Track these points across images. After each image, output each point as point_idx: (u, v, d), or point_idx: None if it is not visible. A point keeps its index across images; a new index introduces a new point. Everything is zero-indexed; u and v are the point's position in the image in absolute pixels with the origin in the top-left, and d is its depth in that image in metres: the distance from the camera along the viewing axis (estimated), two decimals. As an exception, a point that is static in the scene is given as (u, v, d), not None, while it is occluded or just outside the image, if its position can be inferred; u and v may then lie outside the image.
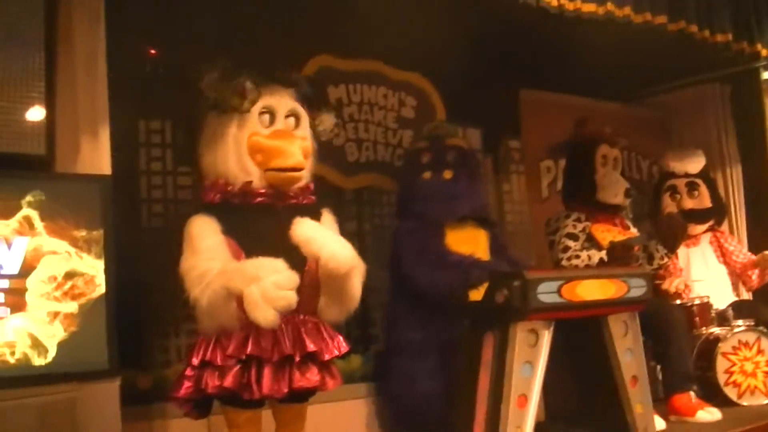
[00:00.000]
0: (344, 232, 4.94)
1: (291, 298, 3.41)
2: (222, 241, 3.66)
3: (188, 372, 3.67)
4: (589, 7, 4.63)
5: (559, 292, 4.05)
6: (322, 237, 3.72)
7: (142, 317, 4.56)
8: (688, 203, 6.28)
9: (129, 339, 4.36)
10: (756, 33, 5.43)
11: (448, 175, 4.91)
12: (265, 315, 3.35)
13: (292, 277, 3.45)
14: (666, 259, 5.46)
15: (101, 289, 3.53)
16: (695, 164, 6.36)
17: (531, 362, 4.04)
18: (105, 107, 3.73)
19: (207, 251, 3.61)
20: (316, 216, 3.94)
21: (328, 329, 3.86)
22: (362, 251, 5.02)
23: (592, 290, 4.21)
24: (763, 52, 5.51)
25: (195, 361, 3.64)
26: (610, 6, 4.66)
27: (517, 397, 3.98)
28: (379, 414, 5.02)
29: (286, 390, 3.63)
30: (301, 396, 3.84)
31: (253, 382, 3.57)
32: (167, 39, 4.68)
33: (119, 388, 3.62)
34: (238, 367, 3.57)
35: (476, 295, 4.34)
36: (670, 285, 5.92)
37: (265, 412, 3.88)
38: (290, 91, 4.01)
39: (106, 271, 3.55)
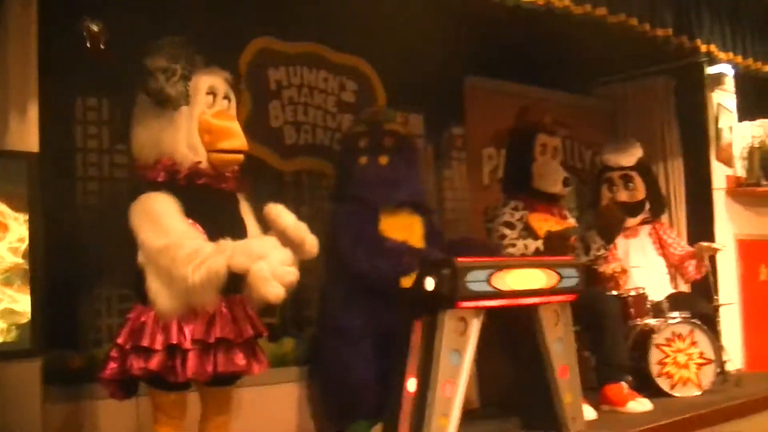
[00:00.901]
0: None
1: (296, 273, 3.53)
2: (187, 222, 3.63)
3: (113, 353, 3.65)
4: (530, -3, 4.63)
5: (488, 280, 4.07)
6: (302, 223, 3.77)
7: (75, 296, 4.51)
8: (623, 196, 6.36)
9: (61, 318, 4.39)
10: (696, 28, 5.48)
11: (383, 160, 4.89)
12: (275, 290, 3.43)
13: (290, 255, 3.58)
14: (603, 251, 5.51)
15: (25, 267, 3.47)
16: (630, 157, 6.43)
17: (459, 350, 4.07)
18: (35, 84, 3.72)
19: (181, 230, 3.57)
20: (236, 200, 3.99)
21: (251, 310, 3.85)
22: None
23: (522, 280, 4.24)
24: (703, 48, 5.55)
25: (121, 341, 3.61)
26: (551, -4, 4.67)
27: (445, 383, 4.00)
28: (311, 398, 5.03)
29: (211, 373, 3.61)
30: (228, 379, 3.83)
31: (177, 365, 3.55)
32: (107, 16, 4.58)
33: (41, 368, 3.58)
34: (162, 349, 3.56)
35: (408, 282, 4.34)
36: (608, 268, 5.98)
37: (193, 394, 3.89)
38: (225, 73, 4.00)
39: (30, 249, 3.48)
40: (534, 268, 4.35)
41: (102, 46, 3.92)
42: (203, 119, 3.83)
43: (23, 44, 3.65)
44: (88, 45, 3.80)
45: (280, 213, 3.71)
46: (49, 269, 4.23)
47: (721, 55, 6.03)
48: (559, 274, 4.39)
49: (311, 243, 3.78)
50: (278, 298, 3.48)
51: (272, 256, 3.49)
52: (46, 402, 3.86)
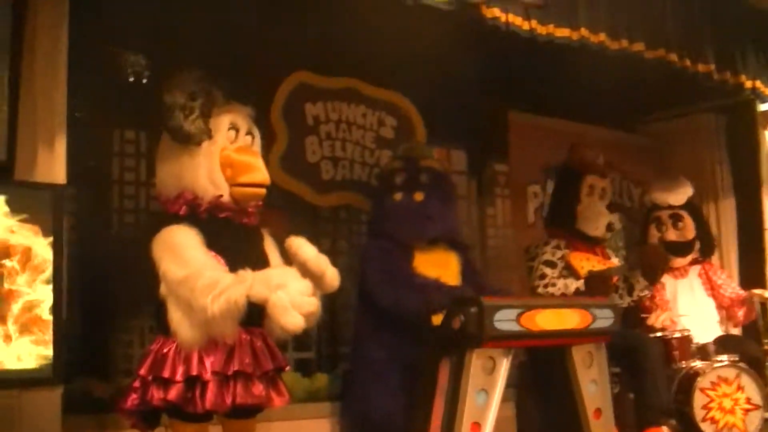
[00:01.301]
0: (319, 250, 5.01)
1: (316, 304, 3.54)
2: (209, 254, 3.66)
3: (135, 384, 3.66)
4: (563, 32, 4.55)
5: (517, 320, 4.02)
6: (323, 256, 3.77)
7: (108, 326, 4.56)
8: (671, 235, 6.21)
9: (92, 348, 4.44)
10: (740, 64, 5.36)
11: (419, 196, 4.86)
12: (294, 320, 3.43)
13: (310, 285, 3.57)
14: (646, 291, 5.41)
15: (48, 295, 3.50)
16: (679, 195, 6.29)
17: (486, 390, 4.00)
18: (63, 117, 3.73)
19: (202, 261, 3.60)
20: (259, 234, 4.02)
21: (272, 342, 3.84)
22: (337, 269, 5.06)
23: (553, 320, 4.18)
24: (748, 84, 5.43)
25: (143, 372, 3.63)
26: (584, 32, 4.58)
27: (471, 425, 3.94)
28: (343, 433, 4.98)
29: (229, 404, 3.60)
30: (248, 412, 3.81)
31: (197, 396, 3.56)
32: (145, 49, 4.66)
33: (62, 397, 3.59)
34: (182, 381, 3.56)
35: (438, 319, 4.30)
36: (656, 320, 5.84)
37: (216, 428, 3.88)
38: (248, 109, 4.04)
39: (54, 278, 3.50)
40: (566, 308, 4.28)
41: (144, 80, 3.98)
42: (225, 154, 3.86)
43: (52, 76, 3.67)
44: (131, 79, 3.85)
45: (301, 245, 3.70)
46: (82, 298, 4.37)
47: (768, 91, 5.87)
48: (592, 314, 4.30)
49: (332, 276, 3.76)
50: (297, 328, 3.47)
51: (291, 286, 3.49)
52: (71, 430, 3.87)
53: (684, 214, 6.26)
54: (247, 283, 3.47)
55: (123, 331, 4.60)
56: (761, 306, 6.14)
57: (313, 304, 3.53)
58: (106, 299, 4.52)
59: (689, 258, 6.25)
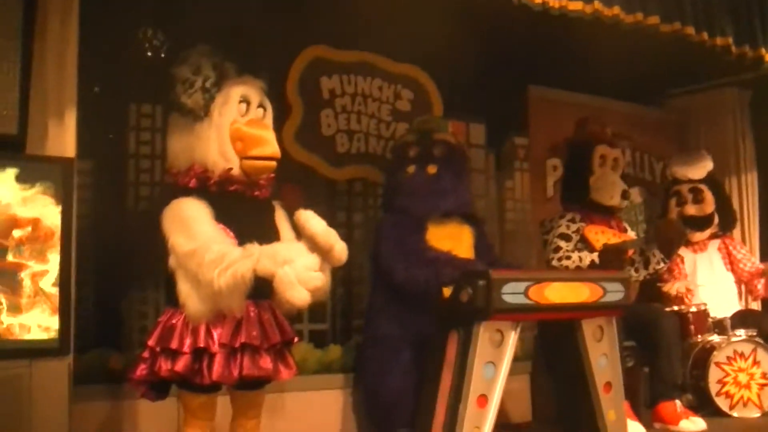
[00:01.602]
0: (335, 223, 5.04)
1: (321, 278, 3.57)
2: (218, 227, 3.70)
3: (144, 354, 3.71)
4: (576, 5, 4.50)
5: (526, 293, 4.02)
6: (331, 230, 3.79)
7: (123, 298, 4.61)
8: (691, 209, 6.19)
9: (107, 319, 4.50)
10: (759, 37, 5.26)
11: (432, 170, 4.87)
12: (300, 295, 3.47)
13: (317, 260, 3.59)
14: (662, 264, 5.38)
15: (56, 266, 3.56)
16: (699, 170, 6.25)
17: (494, 363, 4.01)
18: (73, 91, 3.78)
19: (210, 235, 3.64)
20: (270, 207, 4.04)
21: (281, 315, 3.87)
22: (352, 242, 5.09)
23: (562, 293, 4.16)
24: (767, 57, 5.35)
25: (151, 343, 3.68)
26: (597, 5, 4.52)
27: (477, 397, 3.96)
28: (356, 405, 5.02)
29: (236, 376, 3.65)
30: (255, 383, 3.85)
31: (204, 368, 3.60)
32: (161, 23, 4.68)
33: (70, 367, 3.65)
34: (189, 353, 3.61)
35: (448, 292, 4.30)
36: (672, 288, 5.83)
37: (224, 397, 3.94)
38: (260, 82, 4.06)
39: (62, 249, 3.55)
40: (575, 282, 4.27)
41: (162, 55, 4.01)
42: (235, 127, 3.89)
43: (61, 51, 3.72)
44: (149, 53, 3.88)
45: (309, 219, 3.72)
46: (98, 270, 4.43)
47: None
48: (602, 288, 4.28)
49: (340, 250, 3.78)
50: (304, 302, 3.52)
51: (298, 261, 3.52)
52: (83, 400, 3.95)
53: (704, 188, 6.23)
54: (254, 258, 3.50)
55: (138, 303, 4.63)
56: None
57: (319, 278, 3.56)
58: (122, 271, 4.56)
59: (708, 232, 6.23)
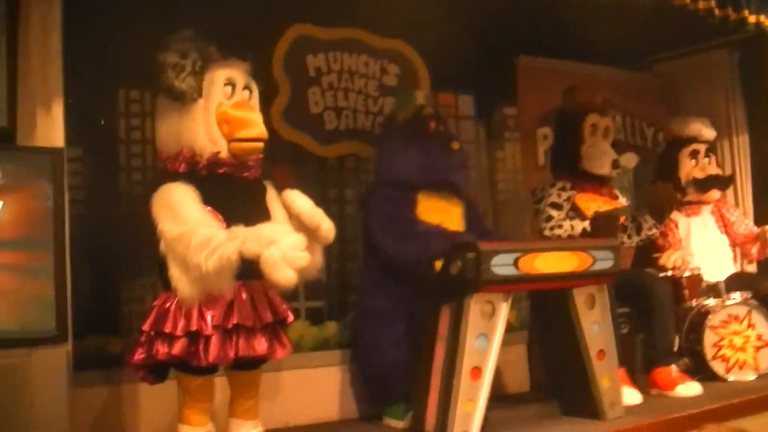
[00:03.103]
0: (326, 200, 5.07)
1: (307, 258, 3.59)
2: (206, 210, 3.74)
3: (141, 338, 3.77)
4: (559, -30, 4.54)
5: (515, 264, 4.05)
6: (318, 209, 3.88)
7: (119, 284, 4.67)
8: (712, 168, 6.18)
9: (103, 305, 4.54)
10: (742, -1, 5.29)
11: (456, 145, 4.91)
12: (286, 275, 3.51)
13: (302, 239, 3.62)
14: (654, 230, 5.43)
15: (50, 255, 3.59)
16: (712, 131, 6.29)
17: (486, 335, 4.05)
18: (59, 82, 3.81)
19: (197, 218, 3.67)
20: (261, 188, 4.08)
21: (274, 295, 3.91)
22: (345, 218, 5.13)
23: (552, 263, 4.20)
24: (751, 19, 5.32)
25: (147, 327, 3.74)
26: (580, -30, 4.57)
27: (471, 370, 4.00)
28: (353, 381, 5.05)
29: (232, 357, 3.71)
30: (252, 363, 3.91)
31: (200, 350, 3.66)
32: (144, 7, 4.68)
33: (68, 354, 3.70)
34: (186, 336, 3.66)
35: (439, 265, 4.34)
36: (668, 260, 5.82)
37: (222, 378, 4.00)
38: (245, 64, 4.09)
39: (55, 239, 3.59)
40: (565, 251, 4.30)
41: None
42: (221, 110, 3.92)
43: (46, 41, 3.74)
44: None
45: (296, 198, 3.78)
46: (93, 256, 4.46)
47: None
48: (592, 256, 4.32)
49: (327, 228, 3.85)
50: (289, 282, 3.56)
51: (283, 241, 3.55)
52: (83, 385, 4.00)
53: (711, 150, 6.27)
54: (240, 239, 3.54)
55: (134, 288, 4.68)
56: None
57: (305, 258, 3.60)
58: (117, 256, 4.61)
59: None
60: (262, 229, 3.64)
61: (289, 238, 3.58)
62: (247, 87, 4.06)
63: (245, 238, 3.54)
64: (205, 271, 3.52)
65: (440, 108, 5.22)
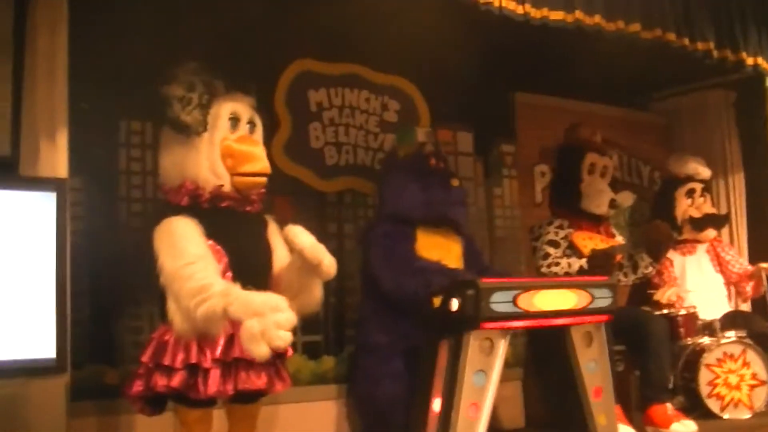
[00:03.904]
0: (326, 234, 5.08)
1: (287, 339, 3.40)
2: (207, 247, 3.73)
3: (140, 371, 3.76)
4: (557, 15, 4.56)
5: (514, 301, 4.06)
6: (320, 245, 3.85)
7: (117, 314, 4.64)
8: (707, 207, 6.28)
9: (101, 335, 4.53)
10: (741, 41, 5.33)
11: (456, 182, 4.98)
12: (260, 350, 3.35)
13: (291, 318, 3.45)
14: (651, 269, 5.45)
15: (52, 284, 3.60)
16: (708, 170, 6.35)
17: (484, 371, 4.06)
18: (64, 112, 3.83)
19: (197, 257, 3.66)
20: (263, 222, 4.09)
21: None
22: (343, 252, 5.13)
23: (551, 300, 4.22)
24: (749, 61, 5.40)
25: (145, 359, 3.73)
26: (579, 14, 4.59)
27: (469, 405, 4.00)
28: (350, 416, 5.05)
29: (232, 391, 3.70)
30: (251, 397, 3.90)
31: (199, 383, 3.65)
32: (151, 38, 4.71)
33: (67, 385, 3.70)
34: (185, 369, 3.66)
35: (438, 302, 4.35)
36: (663, 296, 5.86)
37: (220, 411, 3.99)
38: (249, 99, 4.12)
39: (57, 269, 3.60)
40: (563, 289, 4.32)
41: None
42: (226, 144, 3.94)
43: (53, 71, 3.76)
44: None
45: (298, 234, 3.78)
46: (92, 286, 4.46)
47: (770, 67, 5.81)
48: (590, 294, 4.34)
49: (329, 264, 3.84)
50: (261, 357, 3.40)
51: (269, 317, 3.38)
52: (80, 416, 4.01)
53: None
54: (229, 300, 3.48)
55: (132, 318, 4.65)
56: (768, 281, 6.15)
57: (286, 339, 3.40)
58: (115, 287, 4.59)
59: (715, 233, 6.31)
60: (254, 297, 3.51)
61: (277, 315, 3.40)
62: (251, 121, 4.08)
63: (235, 300, 3.47)
64: (195, 317, 3.53)
65: (440, 145, 5.30)
